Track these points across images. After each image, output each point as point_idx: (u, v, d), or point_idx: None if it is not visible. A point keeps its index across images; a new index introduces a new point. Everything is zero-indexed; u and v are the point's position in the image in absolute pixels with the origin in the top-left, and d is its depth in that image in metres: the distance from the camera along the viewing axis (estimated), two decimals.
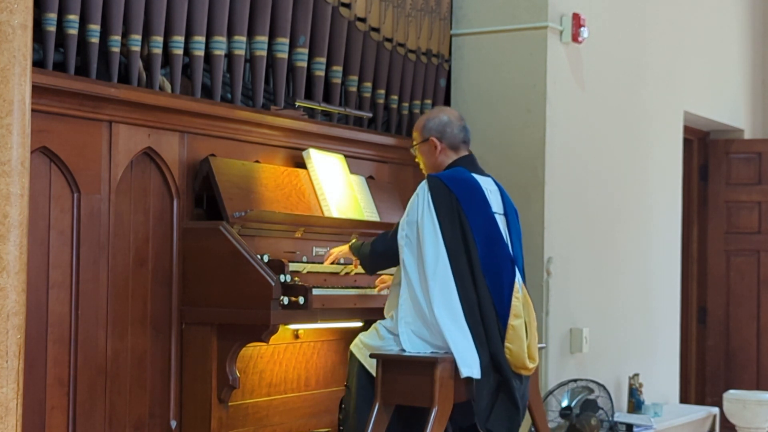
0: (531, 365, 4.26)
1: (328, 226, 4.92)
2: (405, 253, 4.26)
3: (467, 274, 4.21)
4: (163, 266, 4.46)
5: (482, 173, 4.46)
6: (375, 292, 4.80)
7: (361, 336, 4.44)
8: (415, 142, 4.54)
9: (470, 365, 4.15)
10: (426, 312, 4.20)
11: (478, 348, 4.18)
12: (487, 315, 4.20)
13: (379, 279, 4.85)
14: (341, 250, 4.71)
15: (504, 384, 4.22)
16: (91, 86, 4.14)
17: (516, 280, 4.29)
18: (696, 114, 7.70)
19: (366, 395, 4.36)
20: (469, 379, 4.17)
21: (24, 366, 3.07)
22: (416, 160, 4.61)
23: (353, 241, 4.70)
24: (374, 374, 4.30)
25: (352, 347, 4.44)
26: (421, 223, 4.24)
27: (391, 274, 4.64)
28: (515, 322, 4.22)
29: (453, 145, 4.47)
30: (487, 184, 4.40)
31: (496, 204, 4.38)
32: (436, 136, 4.45)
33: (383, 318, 4.47)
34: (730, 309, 8.23)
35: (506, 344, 4.20)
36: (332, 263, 4.76)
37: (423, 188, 4.30)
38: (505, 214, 4.41)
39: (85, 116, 4.14)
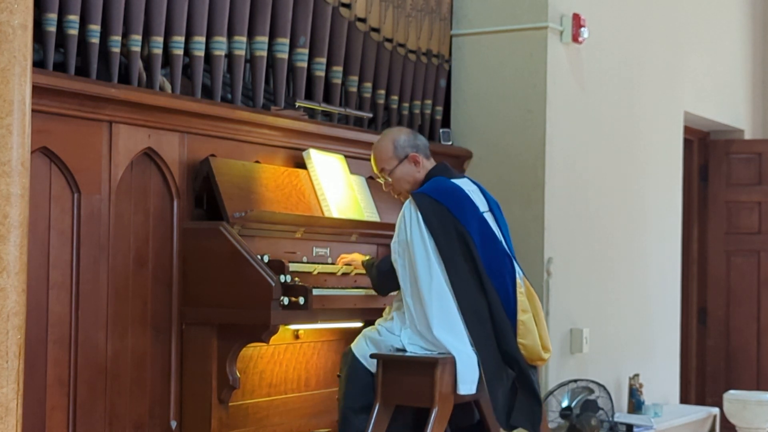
0: (546, 356, 4.30)
1: (328, 226, 4.92)
2: (399, 273, 4.28)
3: (472, 281, 4.21)
4: (163, 266, 4.45)
5: (458, 176, 4.47)
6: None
7: (363, 332, 4.46)
8: (389, 168, 4.41)
9: (469, 382, 4.17)
10: (425, 333, 4.22)
11: (485, 352, 4.18)
12: (497, 316, 4.21)
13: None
14: (353, 259, 4.72)
15: (522, 379, 4.23)
16: (91, 86, 4.14)
17: (517, 274, 4.30)
18: (696, 114, 7.70)
19: (355, 382, 4.34)
20: (480, 382, 4.19)
21: (24, 366, 3.07)
22: (389, 189, 4.48)
23: (368, 257, 4.70)
24: (364, 364, 4.30)
25: (351, 344, 4.45)
26: (410, 242, 4.23)
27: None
28: (524, 317, 4.24)
29: (427, 155, 4.47)
30: (466, 186, 4.41)
31: (480, 203, 4.40)
32: (413, 151, 4.42)
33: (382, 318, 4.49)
34: (730, 309, 8.23)
35: (519, 340, 4.22)
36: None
37: (409, 208, 4.26)
38: (491, 210, 4.42)
39: (85, 116, 4.14)
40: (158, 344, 4.44)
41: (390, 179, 4.47)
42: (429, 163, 4.46)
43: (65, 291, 4.09)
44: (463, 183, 4.42)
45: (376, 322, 4.46)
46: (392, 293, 4.59)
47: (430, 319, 4.17)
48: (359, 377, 4.34)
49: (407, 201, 4.31)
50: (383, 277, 4.46)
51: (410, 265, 4.23)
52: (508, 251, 4.36)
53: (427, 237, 4.21)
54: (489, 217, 4.38)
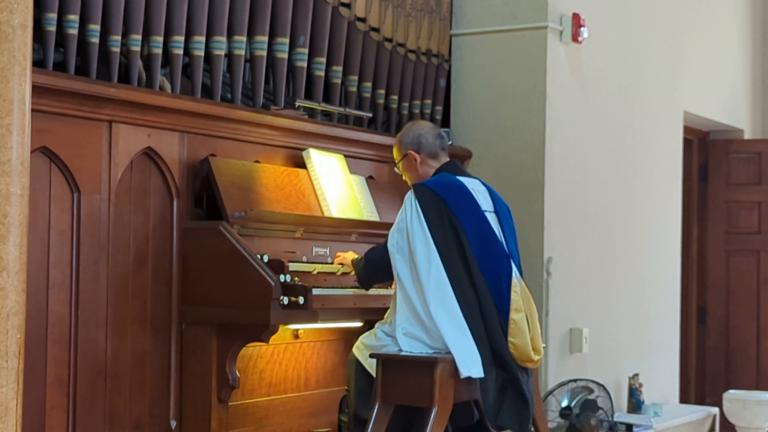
0: (536, 357, 4.28)
1: (328, 226, 4.92)
2: (397, 261, 4.27)
3: (464, 275, 4.22)
4: (163, 266, 4.46)
5: (468, 175, 4.50)
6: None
7: (361, 338, 4.45)
8: (396, 160, 4.59)
9: (469, 365, 4.15)
10: (423, 317, 4.21)
11: (479, 346, 4.18)
12: (487, 312, 4.22)
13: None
14: (344, 257, 4.73)
15: (510, 379, 4.23)
16: (91, 86, 4.14)
17: (513, 274, 4.31)
18: (696, 114, 7.70)
19: (364, 396, 4.36)
20: (470, 378, 4.17)
21: (24, 366, 3.07)
22: (403, 178, 4.64)
23: (359, 256, 4.70)
24: (373, 374, 4.30)
25: (354, 349, 4.45)
26: (410, 230, 4.25)
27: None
28: (516, 316, 4.24)
29: (432, 154, 4.50)
30: (473, 185, 4.42)
31: (485, 203, 4.41)
32: (414, 149, 4.49)
33: (382, 318, 4.48)
34: (730, 309, 8.23)
35: (509, 339, 4.22)
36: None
37: (410, 197, 4.33)
38: (496, 212, 4.43)
39: (85, 116, 4.14)
40: (158, 344, 4.44)
41: (399, 172, 4.62)
42: (437, 162, 4.50)
43: (65, 291, 4.09)
44: (471, 182, 4.43)
45: (376, 325, 4.45)
46: (387, 293, 4.59)
47: (429, 302, 4.16)
48: (370, 389, 4.33)
49: (409, 192, 4.35)
50: (370, 267, 4.46)
51: (409, 252, 4.24)
52: (508, 252, 4.36)
53: (425, 226, 4.24)
54: (491, 217, 4.39)
